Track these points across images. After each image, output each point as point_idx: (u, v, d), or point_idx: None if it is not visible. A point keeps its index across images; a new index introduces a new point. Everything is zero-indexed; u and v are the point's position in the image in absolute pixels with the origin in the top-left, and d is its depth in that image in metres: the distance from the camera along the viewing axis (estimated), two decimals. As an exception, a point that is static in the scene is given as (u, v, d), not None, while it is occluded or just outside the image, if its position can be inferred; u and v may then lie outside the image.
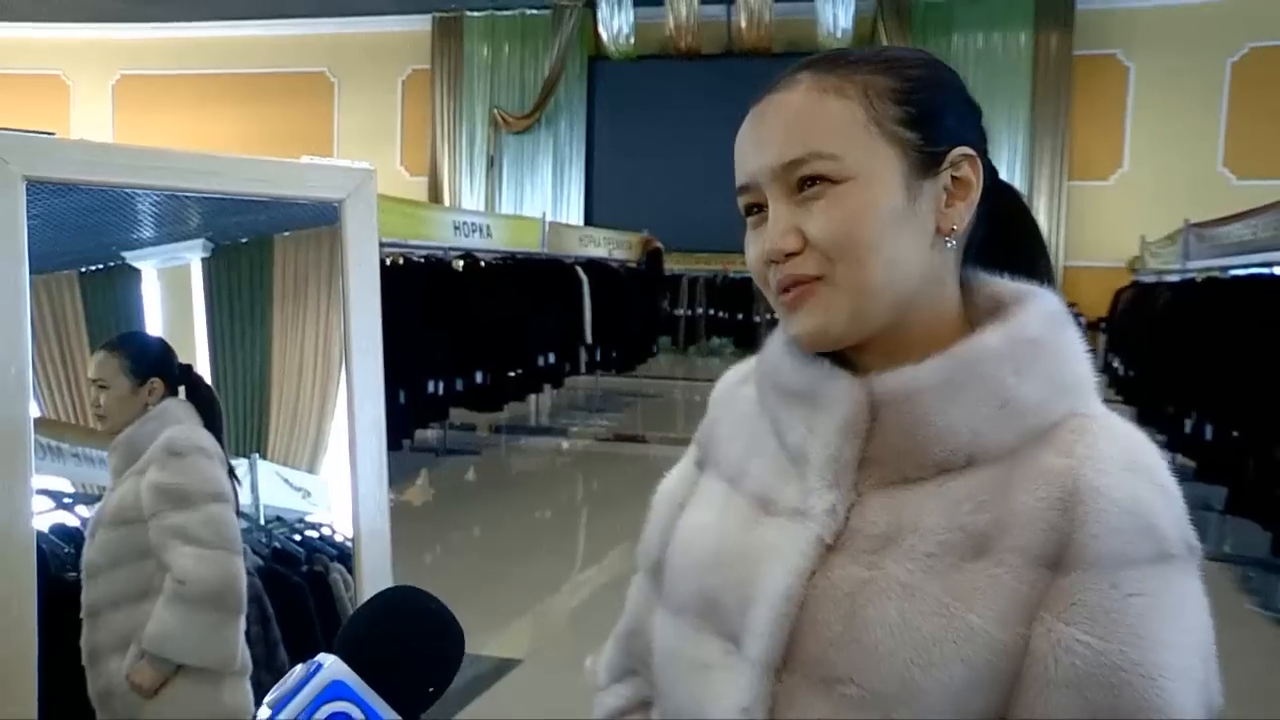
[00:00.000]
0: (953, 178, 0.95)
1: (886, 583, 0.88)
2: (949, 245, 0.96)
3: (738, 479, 1.05)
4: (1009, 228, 1.03)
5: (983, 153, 0.97)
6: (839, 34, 16.97)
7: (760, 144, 0.95)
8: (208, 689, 2.02)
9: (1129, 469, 0.86)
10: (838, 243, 0.91)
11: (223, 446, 2.08)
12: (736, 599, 0.96)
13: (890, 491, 0.92)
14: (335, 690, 0.78)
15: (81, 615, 1.97)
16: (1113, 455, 0.87)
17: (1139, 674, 0.80)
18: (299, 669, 0.79)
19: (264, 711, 0.78)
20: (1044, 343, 0.93)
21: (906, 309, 0.94)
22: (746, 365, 1.13)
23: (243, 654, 2.04)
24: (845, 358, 0.97)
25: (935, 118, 0.95)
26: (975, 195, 0.96)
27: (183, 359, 2.11)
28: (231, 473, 2.10)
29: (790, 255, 0.93)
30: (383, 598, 0.86)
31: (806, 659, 0.90)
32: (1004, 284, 0.98)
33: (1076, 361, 0.95)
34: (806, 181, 0.92)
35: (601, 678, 1.20)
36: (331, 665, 0.79)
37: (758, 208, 0.97)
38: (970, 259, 1.00)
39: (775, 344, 1.03)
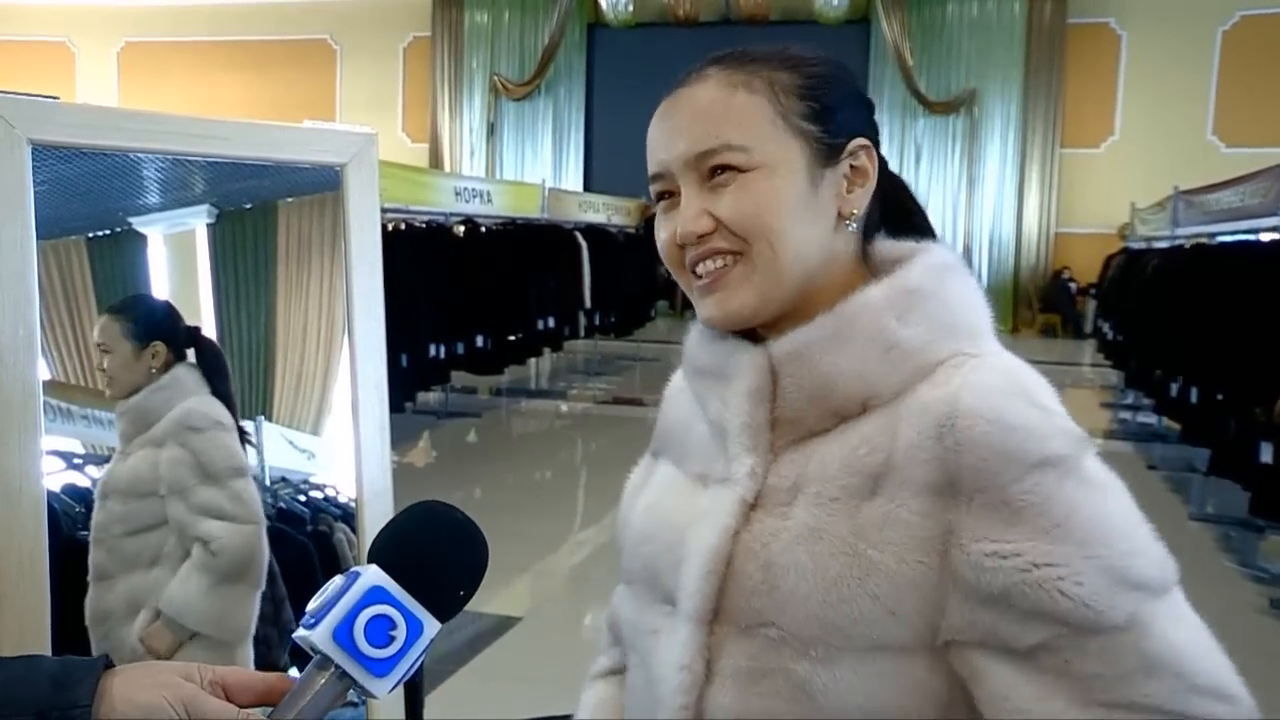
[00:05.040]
0: (851, 166, 1.02)
1: (797, 529, 0.94)
2: (850, 228, 1.03)
3: (681, 461, 1.12)
4: (896, 207, 1.09)
5: (876, 144, 1.05)
6: (835, 1, 16.84)
7: (673, 135, 1.01)
8: (219, 657, 2.00)
9: (1003, 393, 0.90)
10: (746, 225, 0.97)
11: (232, 409, 2.08)
12: (670, 562, 1.03)
13: (800, 446, 0.98)
14: (375, 595, 0.80)
15: (89, 579, 1.96)
16: (987, 381, 0.91)
17: (1048, 567, 0.84)
18: (338, 579, 0.82)
19: (306, 619, 0.80)
20: (926, 290, 0.98)
21: (810, 287, 1.00)
22: None
23: (253, 626, 2.05)
24: (752, 331, 1.03)
25: (834, 112, 1.01)
26: (872, 183, 1.04)
27: (189, 322, 2.09)
28: (244, 436, 2.09)
29: (702, 237, 0.99)
30: (411, 511, 0.88)
31: (734, 610, 0.96)
32: (902, 245, 1.05)
33: (964, 307, 1.00)
34: (717, 170, 0.98)
35: (600, 645, 1.29)
36: (370, 572, 0.81)
37: (668, 194, 1.03)
38: (871, 233, 1.06)
39: (693, 330, 1.09)
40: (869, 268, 1.04)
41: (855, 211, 1.02)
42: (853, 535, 0.91)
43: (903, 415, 0.93)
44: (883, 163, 1.06)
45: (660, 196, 1.04)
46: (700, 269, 1.00)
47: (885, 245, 1.06)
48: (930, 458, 0.89)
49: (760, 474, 0.98)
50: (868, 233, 1.06)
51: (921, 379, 0.94)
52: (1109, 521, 0.87)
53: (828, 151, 1.00)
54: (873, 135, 1.05)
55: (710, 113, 0.99)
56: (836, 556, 0.91)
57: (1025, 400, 0.90)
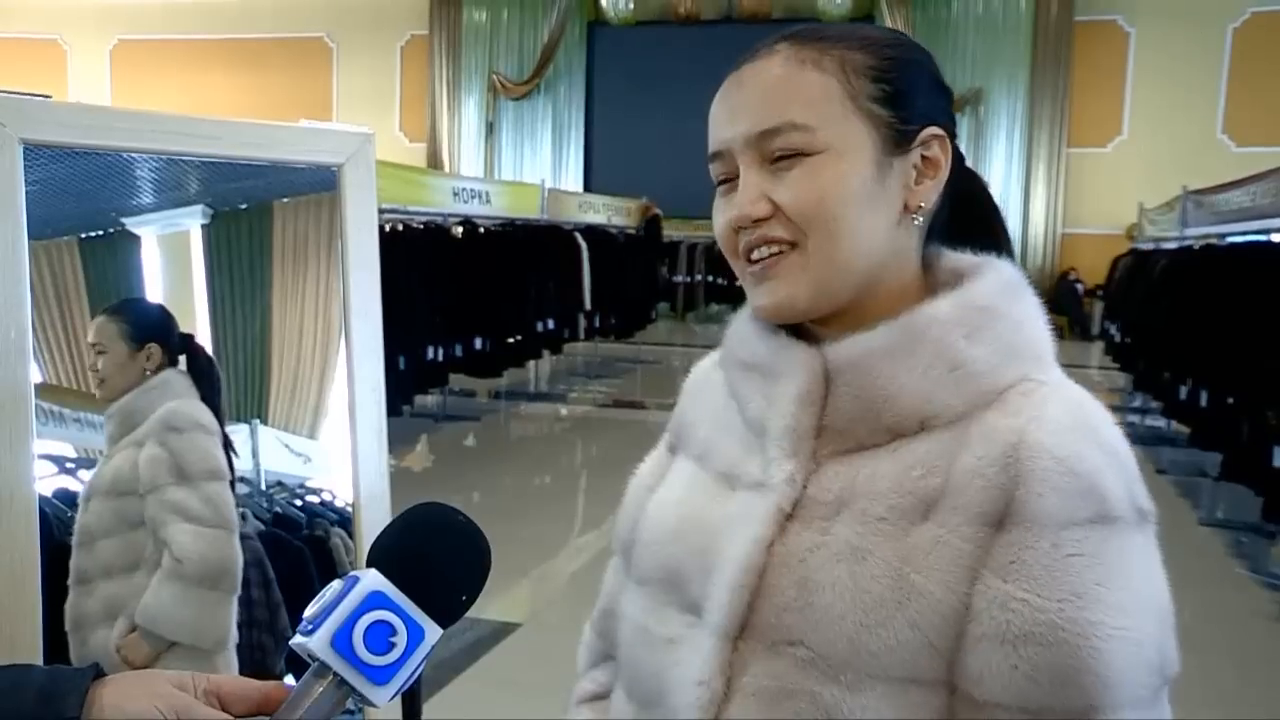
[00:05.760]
0: (923, 156, 0.97)
1: (838, 546, 0.90)
2: (915, 222, 0.98)
3: (705, 457, 1.06)
4: (971, 209, 1.04)
5: (952, 135, 0.99)
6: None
7: (735, 112, 0.96)
8: (197, 666, 1.97)
9: (1075, 430, 0.87)
10: (807, 212, 0.92)
11: (220, 419, 2.07)
12: (698, 568, 0.97)
13: (846, 459, 0.93)
14: (374, 600, 0.78)
15: (69, 582, 1.94)
16: (1059, 416, 0.87)
17: (1074, 632, 0.81)
18: (336, 584, 0.79)
19: (304, 626, 0.78)
20: (996, 309, 0.94)
21: (869, 283, 0.95)
22: (718, 353, 1.13)
23: (232, 632, 2.04)
24: (806, 330, 0.99)
25: (909, 97, 0.96)
26: (943, 175, 0.98)
27: (183, 326, 2.09)
28: (229, 446, 2.08)
29: (759, 222, 0.94)
30: (411, 513, 0.86)
31: (763, 625, 0.92)
32: (964, 257, 0.99)
33: (1031, 329, 0.96)
34: (779, 152, 0.93)
35: (580, 664, 1.22)
36: (369, 577, 0.79)
37: (729, 178, 0.98)
38: (935, 237, 1.01)
39: (739, 320, 1.05)
40: (930, 276, 1.00)
41: (923, 205, 0.97)
42: (898, 559, 0.87)
43: (965, 440, 0.88)
44: (959, 158, 1.01)
45: (720, 180, 0.99)
46: (755, 255, 0.95)
47: (947, 255, 1.01)
48: (990, 485, 0.86)
49: (799, 482, 0.94)
50: (932, 233, 1.01)
51: (986, 403, 0.90)
52: (1146, 598, 0.85)
53: (898, 138, 0.95)
54: (949, 126, 0.99)
55: (776, 90, 0.94)
56: (879, 579, 0.87)
57: (1095, 443, 0.86)
